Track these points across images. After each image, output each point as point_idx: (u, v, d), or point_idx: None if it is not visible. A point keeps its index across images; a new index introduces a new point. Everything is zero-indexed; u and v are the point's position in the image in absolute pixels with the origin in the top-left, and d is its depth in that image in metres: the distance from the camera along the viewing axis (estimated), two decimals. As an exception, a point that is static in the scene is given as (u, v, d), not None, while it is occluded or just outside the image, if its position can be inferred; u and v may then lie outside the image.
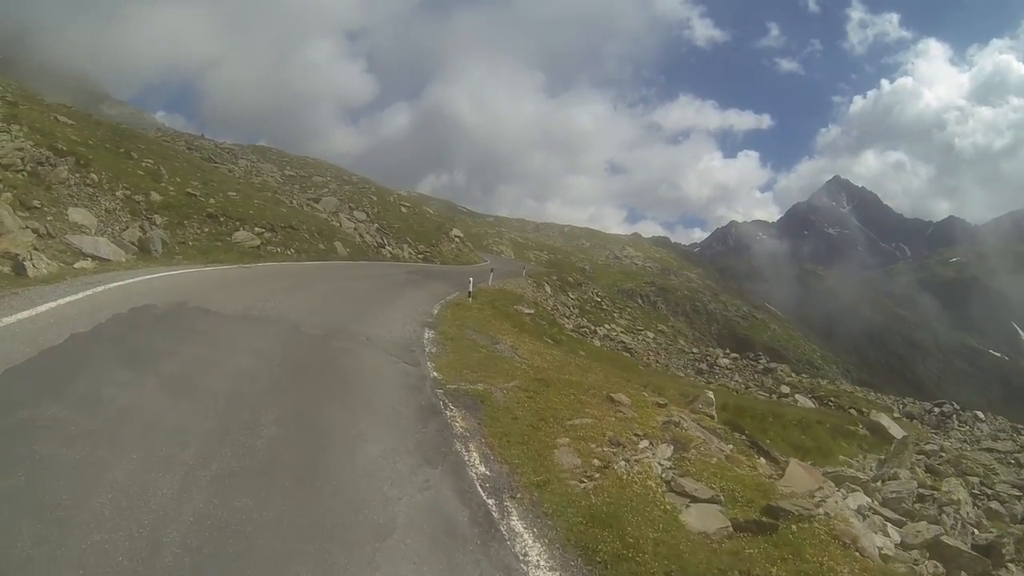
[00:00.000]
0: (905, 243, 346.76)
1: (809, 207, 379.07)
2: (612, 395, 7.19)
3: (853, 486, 8.37)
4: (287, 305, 10.02)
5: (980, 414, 22.54)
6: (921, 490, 9.09)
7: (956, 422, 21.39)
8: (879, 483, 8.78)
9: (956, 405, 22.65)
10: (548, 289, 33.55)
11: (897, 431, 12.91)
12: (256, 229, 20.46)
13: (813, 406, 19.13)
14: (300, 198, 31.69)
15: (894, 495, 8.21)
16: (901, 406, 22.43)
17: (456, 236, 47.61)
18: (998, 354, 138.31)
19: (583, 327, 25.23)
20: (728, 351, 28.94)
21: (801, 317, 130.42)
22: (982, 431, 21.01)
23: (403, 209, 42.38)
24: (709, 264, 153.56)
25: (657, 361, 25.90)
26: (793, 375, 24.90)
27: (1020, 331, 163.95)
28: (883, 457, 11.13)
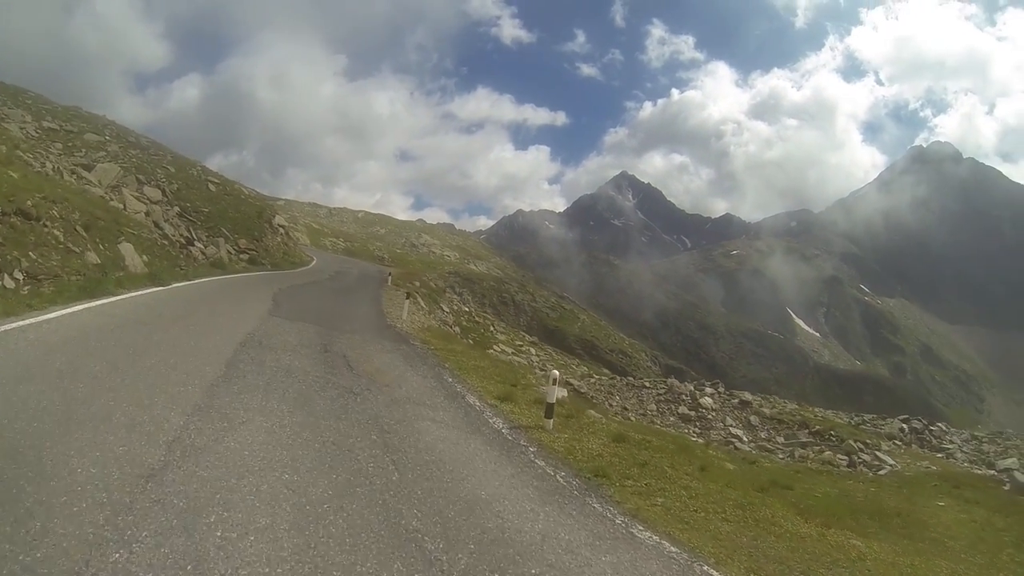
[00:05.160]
0: (686, 236, 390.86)
1: (595, 199, 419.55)
2: None
3: None
4: None
5: (943, 426, 21.02)
6: None
7: (931, 437, 19.09)
8: None
9: (923, 420, 20.69)
10: (422, 303, 27.87)
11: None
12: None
13: (896, 465, 14.02)
14: (62, 162, 19.98)
15: None
16: (875, 427, 20.76)
17: (280, 226, 37.88)
18: (777, 334, 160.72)
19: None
20: (702, 381, 23.83)
21: (595, 305, 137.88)
22: (953, 442, 18.72)
23: (212, 187, 31.33)
24: (503, 252, 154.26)
25: (624, 407, 18.38)
26: (765, 402, 21.31)
27: (792, 314, 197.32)
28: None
